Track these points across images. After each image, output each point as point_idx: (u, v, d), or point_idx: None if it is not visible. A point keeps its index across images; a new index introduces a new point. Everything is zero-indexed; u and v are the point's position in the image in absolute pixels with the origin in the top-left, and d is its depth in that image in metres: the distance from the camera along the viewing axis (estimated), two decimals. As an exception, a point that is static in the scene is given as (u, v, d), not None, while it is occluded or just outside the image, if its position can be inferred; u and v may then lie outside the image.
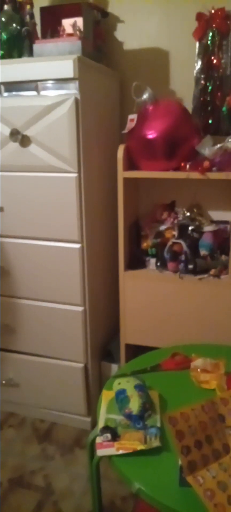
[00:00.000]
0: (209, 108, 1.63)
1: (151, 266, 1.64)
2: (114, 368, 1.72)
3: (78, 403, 1.66)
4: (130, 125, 1.50)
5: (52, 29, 1.47)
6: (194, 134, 1.47)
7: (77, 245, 1.49)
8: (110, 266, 1.78)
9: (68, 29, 1.43)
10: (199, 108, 1.64)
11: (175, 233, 1.60)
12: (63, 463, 1.55)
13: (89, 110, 1.44)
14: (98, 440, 0.93)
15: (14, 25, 1.44)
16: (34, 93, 1.40)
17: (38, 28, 1.53)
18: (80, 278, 1.51)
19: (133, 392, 1.00)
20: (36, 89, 1.40)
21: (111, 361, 1.74)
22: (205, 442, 0.84)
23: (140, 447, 0.89)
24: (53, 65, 1.34)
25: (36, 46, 1.43)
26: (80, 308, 1.56)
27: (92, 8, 1.56)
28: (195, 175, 1.40)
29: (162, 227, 1.65)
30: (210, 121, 1.64)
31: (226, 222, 1.67)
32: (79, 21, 1.43)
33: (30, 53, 1.45)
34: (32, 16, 1.49)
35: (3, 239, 1.58)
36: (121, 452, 0.89)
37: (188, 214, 1.64)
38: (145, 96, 1.48)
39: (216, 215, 1.72)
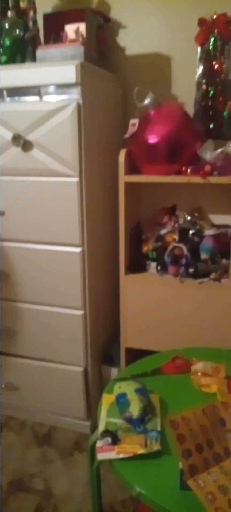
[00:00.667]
0: (211, 112, 1.64)
1: (151, 270, 1.64)
2: (114, 371, 1.72)
3: (78, 406, 1.66)
4: (132, 129, 1.50)
5: (55, 35, 1.48)
6: (195, 138, 1.48)
7: (78, 249, 1.49)
8: (111, 270, 1.79)
9: (71, 35, 1.44)
10: (200, 113, 1.65)
11: (176, 237, 1.61)
12: (63, 467, 1.55)
13: (91, 115, 1.45)
14: (99, 444, 0.93)
15: (17, 30, 1.45)
16: (36, 98, 1.41)
17: (41, 34, 1.54)
18: (81, 282, 1.52)
19: (134, 395, 1.00)
20: (38, 94, 1.41)
21: (111, 364, 1.74)
22: (206, 445, 0.84)
23: (141, 450, 0.89)
24: (56, 70, 1.35)
25: (39, 52, 1.44)
26: (81, 312, 1.56)
27: (95, 14, 1.57)
28: (196, 179, 1.41)
29: (163, 231, 1.65)
30: (211, 126, 1.65)
31: (227, 226, 1.67)
32: (82, 26, 1.44)
33: (33, 59, 1.47)
34: (35, 22, 1.50)
35: (4, 243, 1.59)
36: (121, 456, 0.89)
37: (189, 218, 1.65)
38: (147, 100, 1.49)
39: (217, 219, 1.72)
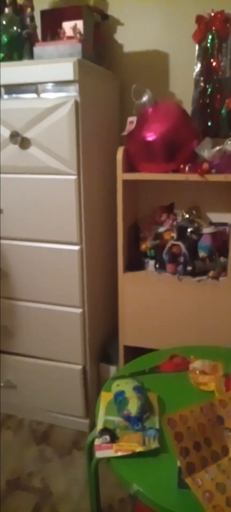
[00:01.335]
0: (208, 110, 1.64)
1: (149, 268, 1.64)
2: (112, 370, 1.72)
3: (76, 405, 1.66)
4: (130, 127, 1.50)
5: (52, 32, 1.47)
6: (193, 136, 1.48)
7: (77, 247, 1.49)
8: (109, 268, 1.78)
9: (69, 32, 1.43)
10: (198, 111, 1.65)
11: (174, 235, 1.61)
12: (61, 465, 1.55)
13: (89, 113, 1.44)
14: (97, 442, 0.93)
15: (14, 27, 1.44)
16: (34, 95, 1.41)
17: (39, 31, 1.53)
18: (79, 280, 1.51)
19: (132, 393, 1.00)
20: (36, 91, 1.40)
21: (110, 363, 1.74)
22: (204, 444, 0.84)
23: (139, 449, 0.89)
24: (54, 67, 1.34)
25: (37, 49, 1.43)
26: (79, 310, 1.56)
27: (93, 11, 1.57)
28: (194, 177, 1.41)
29: (161, 229, 1.66)
30: (209, 124, 1.65)
31: (224, 224, 1.68)
32: (80, 23, 1.43)
33: (31, 56, 1.46)
34: (32, 18, 1.49)
35: (2, 241, 1.58)
36: (119, 454, 0.89)
37: (187, 216, 1.65)
38: (145, 98, 1.48)
39: (215, 217, 1.72)
